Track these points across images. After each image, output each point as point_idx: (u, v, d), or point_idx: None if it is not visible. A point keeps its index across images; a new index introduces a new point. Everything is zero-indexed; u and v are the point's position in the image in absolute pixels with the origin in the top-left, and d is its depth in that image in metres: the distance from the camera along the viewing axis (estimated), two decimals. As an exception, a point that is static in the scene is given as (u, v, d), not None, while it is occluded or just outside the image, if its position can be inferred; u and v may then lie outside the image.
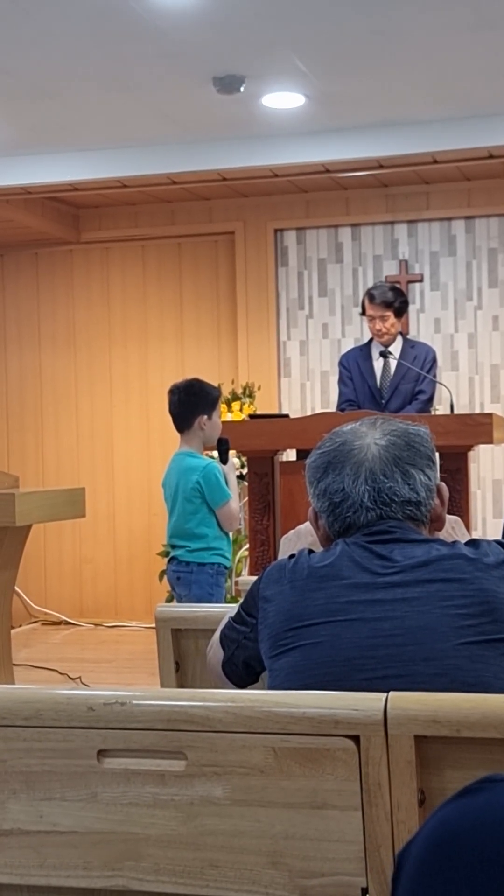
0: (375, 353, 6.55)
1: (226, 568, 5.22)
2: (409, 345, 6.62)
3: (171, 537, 5.21)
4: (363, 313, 6.59)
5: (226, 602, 5.59)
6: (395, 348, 6.51)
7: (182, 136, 6.76)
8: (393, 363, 6.48)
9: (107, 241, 8.86)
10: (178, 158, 6.95)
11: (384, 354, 6.44)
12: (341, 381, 6.69)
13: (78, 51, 5.29)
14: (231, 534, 5.36)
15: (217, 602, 5.04)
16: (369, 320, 6.52)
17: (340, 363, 6.77)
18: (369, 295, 6.49)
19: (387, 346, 6.48)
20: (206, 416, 5.14)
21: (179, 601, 5.20)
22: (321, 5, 4.81)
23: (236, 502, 5.20)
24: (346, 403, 6.59)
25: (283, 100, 6.10)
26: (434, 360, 6.61)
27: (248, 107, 6.18)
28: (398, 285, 7.05)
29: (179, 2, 4.75)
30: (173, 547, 5.21)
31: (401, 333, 6.64)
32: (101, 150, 6.99)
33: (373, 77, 5.77)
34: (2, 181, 7.18)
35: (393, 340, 6.50)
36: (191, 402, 5.14)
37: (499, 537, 2.41)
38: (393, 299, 6.43)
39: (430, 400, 6.50)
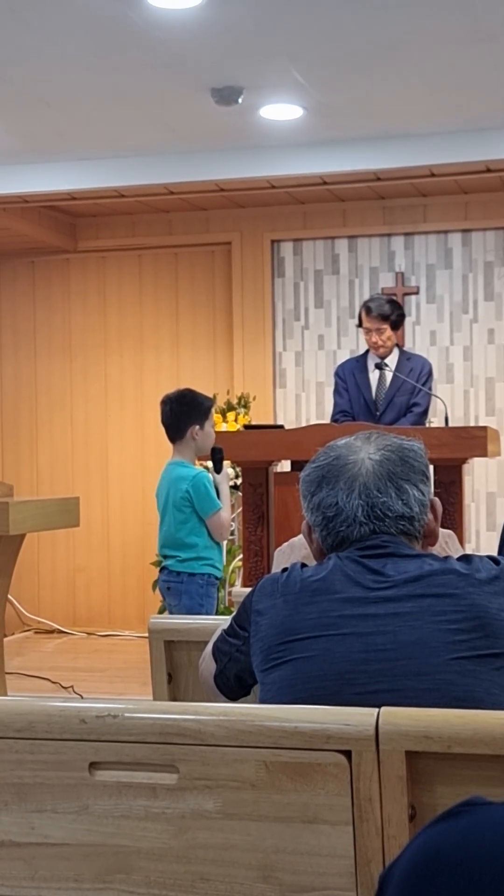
0: (371, 364, 6.56)
1: (216, 578, 5.22)
2: (405, 357, 6.64)
3: (162, 547, 5.22)
4: (360, 325, 6.60)
5: (217, 612, 5.59)
6: (392, 360, 6.52)
7: (180, 147, 6.77)
8: (388, 375, 6.49)
9: (103, 251, 8.86)
10: (175, 169, 6.96)
11: (380, 367, 6.45)
12: (336, 392, 6.71)
13: (76, 60, 5.30)
14: (224, 544, 5.35)
15: (207, 612, 5.03)
16: (366, 332, 6.53)
17: (336, 374, 6.78)
18: (366, 307, 6.50)
19: (383, 358, 6.50)
20: (197, 426, 5.13)
21: (170, 611, 5.20)
22: (320, 18, 4.83)
23: (227, 512, 5.19)
24: (340, 414, 6.60)
25: (281, 111, 6.11)
26: (430, 373, 6.62)
27: (246, 118, 6.19)
28: (394, 297, 7.06)
29: (178, 12, 4.76)
30: (164, 556, 5.21)
31: (397, 346, 6.65)
32: (98, 160, 6.99)
33: (371, 89, 5.78)
34: (-1, 189, 7.20)
35: (389, 353, 6.52)
36: (182, 413, 5.14)
37: (493, 552, 2.42)
38: (390, 312, 6.45)
39: (425, 413, 6.51)
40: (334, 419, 6.62)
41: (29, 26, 4.88)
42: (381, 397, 6.53)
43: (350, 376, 6.64)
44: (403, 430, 5.38)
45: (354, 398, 6.58)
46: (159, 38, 5.02)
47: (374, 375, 6.56)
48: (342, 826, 1.73)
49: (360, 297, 8.01)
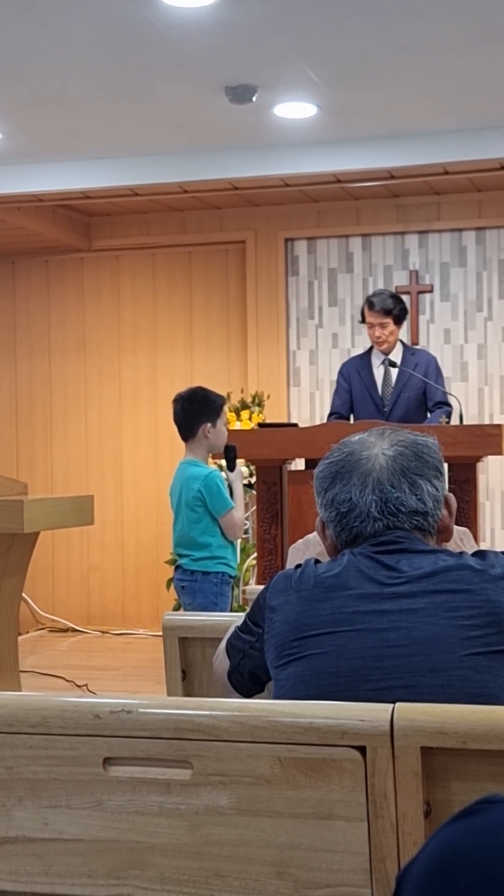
0: (376, 361, 6.57)
1: (230, 577, 5.22)
2: (409, 352, 6.64)
3: (177, 546, 5.22)
4: (363, 321, 6.60)
5: (231, 611, 5.59)
6: (395, 356, 6.53)
7: (193, 145, 6.77)
8: (394, 371, 6.49)
9: (117, 249, 8.87)
10: (189, 167, 6.96)
11: (392, 364, 6.45)
12: (335, 392, 6.73)
13: (90, 59, 5.30)
14: (238, 542, 5.35)
15: (221, 611, 5.03)
16: (369, 327, 6.54)
17: (339, 372, 6.78)
18: (369, 302, 6.51)
19: (386, 353, 6.50)
20: (209, 424, 5.13)
21: (185, 609, 5.20)
22: (334, 16, 4.82)
23: (240, 511, 5.18)
24: (333, 416, 6.62)
25: (295, 110, 6.11)
26: (438, 370, 6.62)
27: (260, 116, 6.19)
28: (407, 295, 7.05)
29: (192, 11, 4.76)
30: (179, 555, 5.22)
31: (401, 341, 6.65)
32: (112, 159, 7.00)
33: (384, 88, 5.77)
34: (13, 188, 7.20)
35: (392, 348, 6.53)
36: (194, 411, 5.14)
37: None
38: (392, 306, 6.45)
39: (449, 411, 6.46)
40: (328, 419, 6.68)
41: (43, 26, 4.88)
42: (388, 394, 6.53)
43: (354, 374, 6.64)
44: (417, 427, 5.38)
45: (360, 396, 6.58)
46: (173, 37, 5.02)
47: (378, 371, 6.56)
48: (357, 822, 1.72)
49: (374, 295, 8.00)
